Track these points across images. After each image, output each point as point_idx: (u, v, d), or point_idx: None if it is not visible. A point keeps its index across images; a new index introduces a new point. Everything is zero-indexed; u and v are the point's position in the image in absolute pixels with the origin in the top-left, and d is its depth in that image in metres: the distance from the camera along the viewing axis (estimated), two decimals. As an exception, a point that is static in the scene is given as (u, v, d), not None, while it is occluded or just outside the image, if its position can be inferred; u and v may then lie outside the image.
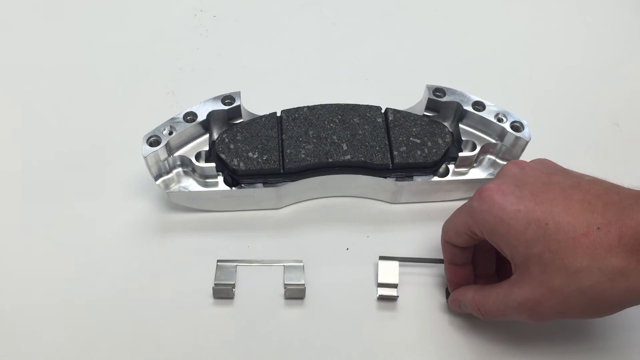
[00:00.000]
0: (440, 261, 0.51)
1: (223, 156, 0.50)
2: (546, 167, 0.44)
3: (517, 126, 0.51)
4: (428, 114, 0.54)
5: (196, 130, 0.51)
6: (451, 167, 0.53)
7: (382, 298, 0.50)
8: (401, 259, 0.50)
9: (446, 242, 0.47)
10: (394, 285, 0.49)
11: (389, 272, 0.50)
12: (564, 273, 0.39)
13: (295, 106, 0.52)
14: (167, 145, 0.49)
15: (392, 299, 0.50)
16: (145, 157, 0.49)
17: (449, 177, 0.53)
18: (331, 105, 0.53)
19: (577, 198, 0.40)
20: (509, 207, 0.41)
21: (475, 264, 0.48)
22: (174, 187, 0.52)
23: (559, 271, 0.39)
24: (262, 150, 0.50)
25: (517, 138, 0.51)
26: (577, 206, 0.39)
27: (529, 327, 0.49)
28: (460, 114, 0.53)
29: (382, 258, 0.50)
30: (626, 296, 0.38)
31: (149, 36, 0.66)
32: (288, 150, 0.50)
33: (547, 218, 0.39)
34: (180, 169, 0.52)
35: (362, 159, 0.50)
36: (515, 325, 0.48)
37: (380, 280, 0.50)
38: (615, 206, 0.38)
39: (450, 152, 0.52)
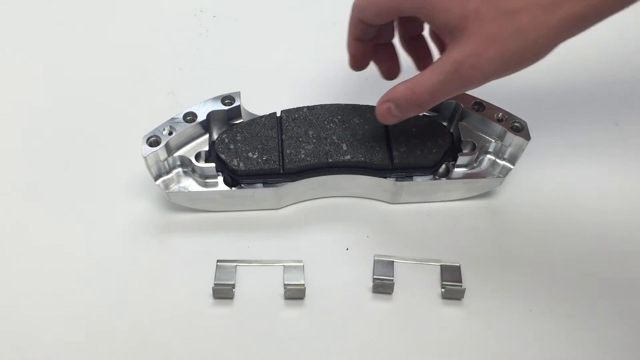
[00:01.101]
0: (436, 261, 0.51)
1: (223, 156, 0.50)
2: None
3: (517, 126, 0.51)
4: (428, 114, 0.54)
5: (196, 130, 0.51)
6: (451, 167, 0.53)
7: (376, 290, 0.50)
8: (396, 259, 0.51)
9: (359, 19, 0.46)
10: (390, 280, 0.50)
11: (385, 268, 0.50)
12: (501, 17, 0.39)
13: (295, 106, 0.52)
14: (166, 145, 0.49)
15: (387, 291, 0.50)
16: (145, 157, 0.49)
17: (448, 177, 0.53)
18: (331, 105, 0.53)
19: None
20: None
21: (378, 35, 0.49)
22: (174, 187, 0.52)
23: (497, 18, 0.39)
24: (262, 151, 0.50)
25: (517, 138, 0.51)
26: None
27: (521, 317, 0.49)
28: (460, 114, 0.53)
29: (377, 257, 0.51)
30: (560, 26, 0.39)
31: (149, 36, 0.66)
32: (288, 151, 0.50)
33: None
34: (180, 169, 0.52)
35: (362, 159, 0.50)
36: (507, 317, 0.49)
37: (376, 275, 0.50)
38: None
39: (450, 152, 0.52)
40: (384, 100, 0.45)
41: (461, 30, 0.40)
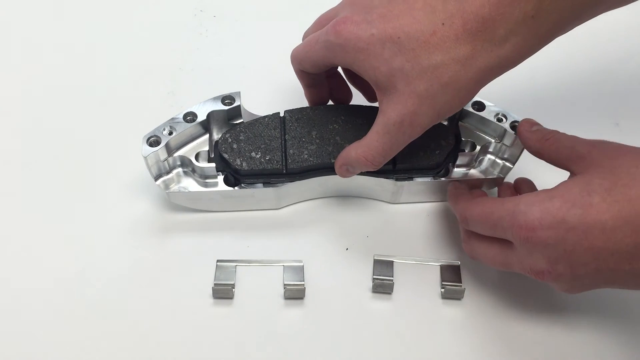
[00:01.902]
0: (436, 261, 0.51)
1: (226, 156, 0.50)
2: None
3: (517, 126, 0.51)
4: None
5: (196, 130, 0.51)
6: (451, 167, 0.53)
7: (376, 290, 0.50)
8: (396, 259, 0.51)
9: (300, 70, 0.50)
10: (389, 280, 0.50)
11: (385, 268, 0.50)
12: (424, 75, 0.41)
13: (296, 107, 0.52)
14: (167, 145, 0.49)
15: (386, 291, 0.50)
16: (145, 157, 0.49)
17: (448, 177, 0.53)
18: (334, 106, 0.53)
19: (419, 6, 0.42)
20: (363, 34, 0.42)
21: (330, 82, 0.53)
22: (174, 187, 0.52)
23: (420, 76, 0.42)
24: (265, 151, 0.50)
25: (517, 138, 0.51)
26: (420, 13, 0.42)
27: (521, 317, 0.49)
28: (460, 114, 0.53)
29: (377, 257, 0.51)
30: (479, 76, 0.42)
31: (149, 36, 0.66)
32: (291, 151, 0.50)
33: (398, 33, 0.42)
34: (180, 169, 0.52)
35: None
36: (507, 317, 0.49)
37: (376, 275, 0.50)
38: None
39: (452, 153, 0.52)
40: (341, 163, 0.48)
41: (391, 88, 0.43)
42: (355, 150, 0.47)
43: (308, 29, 0.51)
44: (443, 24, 0.41)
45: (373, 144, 0.45)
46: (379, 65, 0.42)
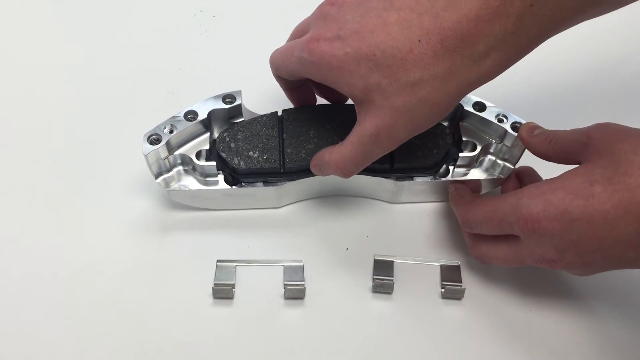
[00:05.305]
0: (436, 261, 0.51)
1: (224, 155, 0.50)
2: None
3: (517, 127, 0.51)
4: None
5: (197, 128, 0.51)
6: (451, 167, 0.53)
7: (376, 290, 0.50)
8: (396, 259, 0.51)
9: (277, 76, 0.50)
10: (390, 280, 0.50)
11: (385, 268, 0.50)
12: (402, 91, 0.41)
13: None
14: (167, 143, 0.49)
15: (387, 290, 0.50)
16: (145, 155, 0.49)
17: (449, 178, 0.53)
18: (332, 105, 0.53)
19: (393, 20, 0.41)
20: (337, 53, 0.42)
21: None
22: (174, 185, 0.51)
23: (398, 92, 0.41)
24: (263, 150, 0.50)
25: (518, 139, 0.51)
26: (395, 28, 0.41)
27: (521, 317, 0.49)
28: (460, 115, 0.53)
29: (377, 257, 0.51)
30: (458, 91, 0.42)
31: (149, 36, 0.66)
32: (289, 150, 0.50)
33: (373, 50, 0.41)
34: (180, 168, 0.52)
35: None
36: (507, 316, 0.49)
37: (376, 275, 0.50)
38: (429, 14, 0.40)
39: (450, 152, 0.52)
40: (315, 163, 0.49)
41: (368, 102, 0.42)
42: (329, 155, 0.46)
43: (287, 40, 0.51)
44: (419, 40, 0.40)
45: (346, 153, 0.45)
46: (355, 81, 0.42)
